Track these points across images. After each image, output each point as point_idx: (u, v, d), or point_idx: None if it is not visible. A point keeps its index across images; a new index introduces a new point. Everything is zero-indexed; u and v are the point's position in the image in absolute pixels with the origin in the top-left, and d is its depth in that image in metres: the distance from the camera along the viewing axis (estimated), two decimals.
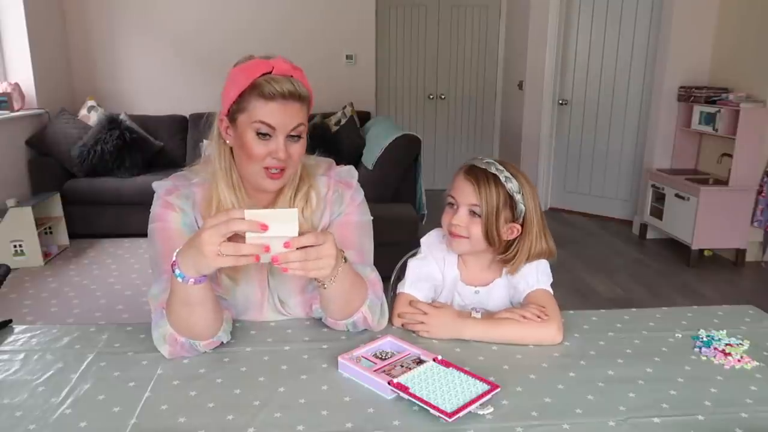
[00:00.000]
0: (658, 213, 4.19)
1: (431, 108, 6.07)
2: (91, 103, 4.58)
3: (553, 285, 1.33)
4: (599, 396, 1.02)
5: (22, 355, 1.14)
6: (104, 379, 1.05)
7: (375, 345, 1.14)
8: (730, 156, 3.73)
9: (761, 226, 3.77)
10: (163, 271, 1.15)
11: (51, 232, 3.98)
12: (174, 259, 1.01)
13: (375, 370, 1.04)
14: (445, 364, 1.06)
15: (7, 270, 1.94)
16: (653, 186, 4.25)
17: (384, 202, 3.43)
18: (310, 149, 1.26)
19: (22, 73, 4.34)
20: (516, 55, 5.50)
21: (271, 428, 0.92)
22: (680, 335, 1.26)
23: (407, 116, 6.02)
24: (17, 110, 4.17)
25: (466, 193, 1.28)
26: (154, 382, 1.04)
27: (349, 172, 1.32)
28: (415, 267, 1.35)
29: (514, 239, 1.30)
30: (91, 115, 4.50)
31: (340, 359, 1.08)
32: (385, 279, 1.30)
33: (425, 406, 0.94)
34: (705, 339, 1.22)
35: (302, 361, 1.12)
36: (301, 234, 0.96)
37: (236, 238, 0.96)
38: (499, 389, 0.99)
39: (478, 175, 1.27)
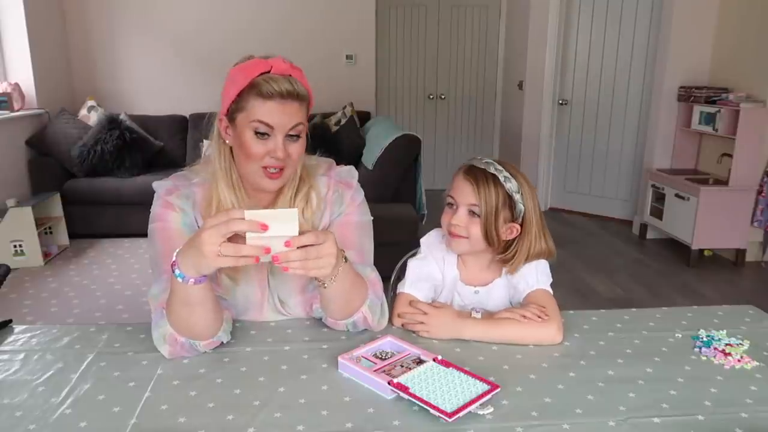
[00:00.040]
0: (658, 213, 4.19)
1: (431, 108, 6.07)
2: (91, 103, 4.58)
3: (553, 285, 1.33)
4: (599, 396, 1.02)
5: (22, 355, 1.14)
6: (104, 379, 1.05)
7: (375, 345, 1.14)
8: (730, 156, 3.73)
9: (761, 226, 3.77)
10: (163, 271, 1.15)
11: (51, 232, 3.98)
12: (174, 259, 1.01)
13: (375, 370, 1.04)
14: (445, 364, 1.06)
15: (7, 270, 1.95)
16: (653, 186, 4.25)
17: (384, 202, 3.43)
18: (311, 149, 1.26)
19: (22, 73, 4.34)
20: (516, 55, 5.50)
21: (271, 428, 0.92)
22: (680, 335, 1.26)
23: (407, 116, 6.03)
24: (17, 110, 4.17)
25: (465, 193, 1.28)
26: (154, 382, 1.04)
27: (350, 172, 1.32)
28: (415, 267, 1.36)
29: (514, 239, 1.30)
30: (91, 115, 4.50)
31: (340, 359, 1.08)
32: (385, 279, 1.30)
33: (425, 406, 0.94)
34: (705, 339, 1.22)
35: (302, 361, 1.12)
36: (301, 234, 0.96)
37: (236, 238, 0.96)
38: (499, 389, 0.99)
39: (477, 175, 1.27)
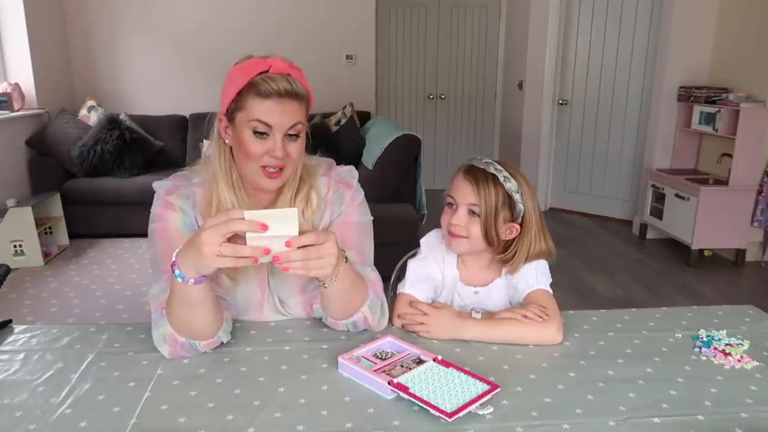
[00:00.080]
0: (658, 213, 4.19)
1: (431, 108, 6.07)
2: (91, 103, 4.58)
3: (552, 285, 1.33)
4: (599, 396, 1.02)
5: (22, 355, 1.14)
6: (104, 379, 1.05)
7: (375, 345, 1.14)
8: (730, 156, 3.73)
9: (761, 226, 3.77)
10: (163, 271, 1.15)
11: (51, 232, 3.98)
12: (174, 259, 1.01)
13: (375, 370, 1.04)
14: (445, 364, 1.06)
15: (7, 270, 1.94)
16: (653, 186, 4.25)
17: (384, 202, 3.43)
18: (311, 150, 1.27)
19: (22, 73, 4.34)
20: (516, 55, 5.50)
21: (271, 428, 0.92)
22: (680, 335, 1.26)
23: (407, 116, 6.02)
24: (17, 110, 4.17)
25: (465, 193, 1.28)
26: (154, 382, 1.04)
27: (350, 172, 1.32)
28: (415, 267, 1.36)
29: (513, 239, 1.30)
30: (91, 115, 4.50)
31: (340, 359, 1.08)
32: (385, 279, 1.30)
33: (425, 406, 0.94)
34: (705, 339, 1.22)
35: (302, 361, 1.12)
36: (301, 233, 0.96)
37: (236, 238, 0.96)
38: (499, 389, 0.99)
39: (477, 174, 1.27)
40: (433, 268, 1.36)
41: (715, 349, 1.18)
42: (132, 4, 4.91)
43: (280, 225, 0.94)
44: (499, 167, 1.28)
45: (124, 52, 4.98)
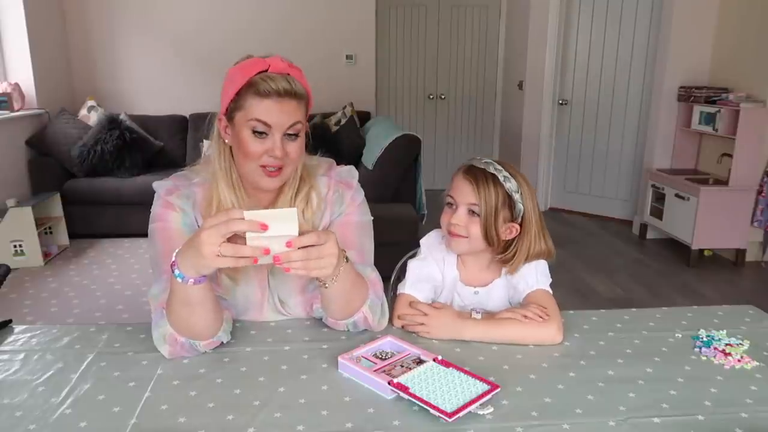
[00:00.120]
0: (658, 213, 4.19)
1: (431, 108, 6.07)
2: (91, 103, 4.58)
3: (552, 285, 1.33)
4: (599, 396, 1.02)
5: (22, 355, 1.14)
6: (104, 379, 1.05)
7: (375, 345, 1.14)
8: (730, 156, 3.73)
9: (761, 226, 3.77)
10: (163, 271, 1.15)
11: (51, 232, 3.98)
12: (173, 259, 1.01)
13: (375, 370, 1.04)
14: (445, 364, 1.06)
15: (7, 270, 1.94)
16: (653, 186, 4.25)
17: (384, 202, 3.43)
18: (312, 150, 1.26)
19: (22, 73, 4.34)
20: (516, 55, 5.50)
21: (271, 428, 0.92)
22: (680, 335, 1.26)
23: (407, 116, 6.02)
24: (17, 110, 4.17)
25: (464, 193, 1.28)
26: (154, 382, 1.04)
27: (350, 172, 1.32)
28: (415, 268, 1.36)
29: (513, 239, 1.30)
30: (91, 115, 4.50)
31: (340, 359, 1.08)
32: (385, 279, 1.30)
33: (425, 406, 0.94)
34: (705, 339, 1.22)
35: (302, 361, 1.12)
36: (301, 234, 0.96)
37: (236, 238, 0.96)
38: (499, 389, 0.99)
39: (476, 174, 1.27)
40: (433, 269, 1.36)
41: (715, 349, 1.18)
42: (132, 4, 4.91)
43: (280, 225, 0.94)
44: (499, 167, 1.28)
45: (124, 52, 4.98)
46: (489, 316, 1.25)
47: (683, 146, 4.28)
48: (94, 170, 4.26)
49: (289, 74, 1.12)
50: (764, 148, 3.70)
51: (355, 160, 3.92)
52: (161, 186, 1.22)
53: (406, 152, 3.55)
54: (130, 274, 3.55)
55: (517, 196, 1.27)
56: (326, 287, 1.08)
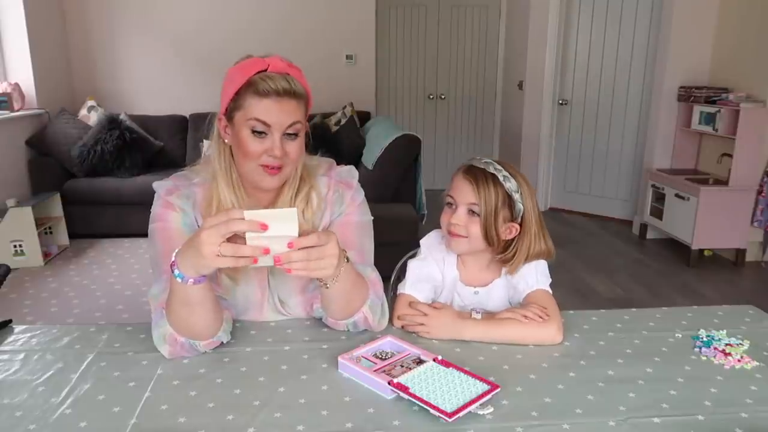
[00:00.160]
0: (658, 213, 4.19)
1: (431, 108, 6.07)
2: (91, 103, 4.58)
3: (552, 285, 1.33)
4: (599, 396, 1.02)
5: (22, 355, 1.14)
6: (104, 379, 1.05)
7: (375, 345, 1.14)
8: (730, 156, 3.73)
9: (761, 226, 3.77)
10: (163, 271, 1.15)
11: (51, 232, 3.98)
12: (173, 259, 1.01)
13: (375, 370, 1.04)
14: (445, 364, 1.06)
15: (7, 270, 1.94)
16: (653, 186, 4.25)
17: (384, 202, 3.43)
18: (312, 150, 1.26)
19: (22, 73, 4.34)
20: (516, 55, 5.50)
21: (271, 428, 0.92)
22: (680, 335, 1.26)
23: (407, 116, 6.02)
24: (17, 110, 4.17)
25: (464, 193, 1.28)
26: (154, 382, 1.04)
27: (350, 172, 1.32)
28: (415, 268, 1.36)
29: (513, 239, 1.30)
30: (91, 115, 4.50)
31: (340, 359, 1.08)
32: (385, 279, 1.30)
33: (425, 406, 0.94)
34: (705, 339, 1.22)
35: (302, 361, 1.12)
36: (301, 234, 0.96)
37: (236, 238, 0.96)
38: (499, 389, 0.99)
39: (476, 174, 1.27)
40: (433, 269, 1.36)
41: (715, 349, 1.18)
42: (132, 4, 4.91)
43: (280, 225, 0.94)
44: (499, 167, 1.28)
45: (124, 52, 4.98)
46: (489, 316, 1.25)
47: (683, 146, 4.28)
48: (94, 170, 4.26)
49: (288, 74, 1.12)
50: (764, 148, 3.70)
51: (355, 160, 3.92)
52: (161, 186, 1.22)
53: (406, 152, 3.55)
54: (130, 274, 3.55)
55: (516, 196, 1.27)
56: (327, 287, 1.08)
